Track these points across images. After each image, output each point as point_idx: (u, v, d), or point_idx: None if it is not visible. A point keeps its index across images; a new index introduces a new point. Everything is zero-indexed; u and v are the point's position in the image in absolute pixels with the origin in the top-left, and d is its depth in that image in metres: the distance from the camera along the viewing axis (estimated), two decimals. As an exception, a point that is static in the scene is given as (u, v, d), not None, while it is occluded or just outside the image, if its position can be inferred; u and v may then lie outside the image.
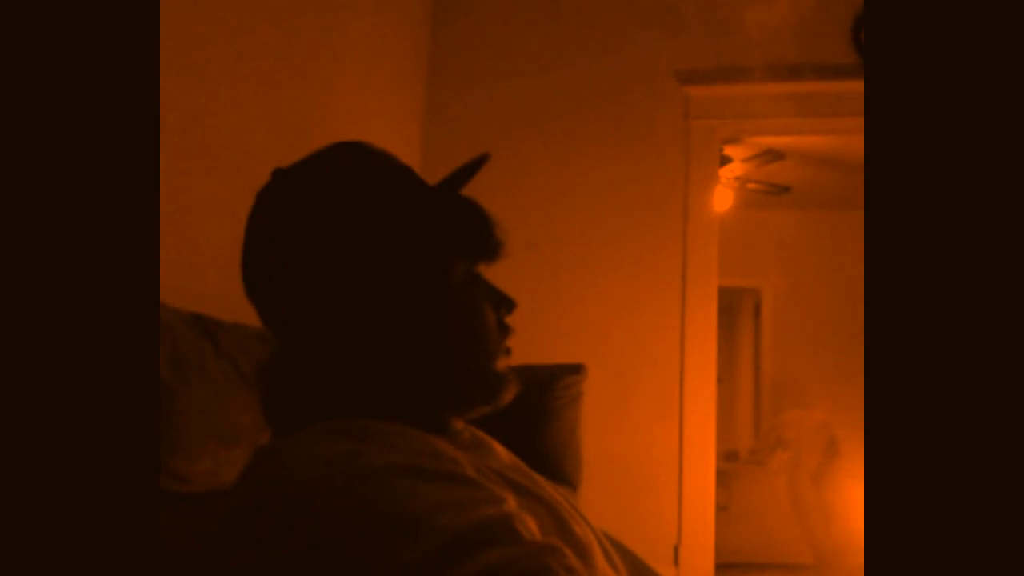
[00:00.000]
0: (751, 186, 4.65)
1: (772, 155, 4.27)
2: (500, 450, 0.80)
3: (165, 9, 0.77)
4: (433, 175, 0.78)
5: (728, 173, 4.43)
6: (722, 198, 4.26)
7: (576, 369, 1.74)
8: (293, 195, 0.74)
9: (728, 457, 5.64)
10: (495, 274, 0.78)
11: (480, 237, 0.76)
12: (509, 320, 0.79)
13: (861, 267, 0.58)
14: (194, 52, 1.44)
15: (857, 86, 2.25)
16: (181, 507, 0.93)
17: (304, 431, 0.67)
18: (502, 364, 0.78)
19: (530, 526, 0.61)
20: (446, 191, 0.76)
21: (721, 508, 3.91)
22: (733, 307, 6.67)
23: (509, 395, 0.77)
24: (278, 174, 0.76)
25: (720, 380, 2.70)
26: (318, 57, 1.98)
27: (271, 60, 1.75)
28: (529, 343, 0.94)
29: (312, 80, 1.95)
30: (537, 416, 1.61)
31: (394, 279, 0.72)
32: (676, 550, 2.40)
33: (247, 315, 0.79)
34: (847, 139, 3.69)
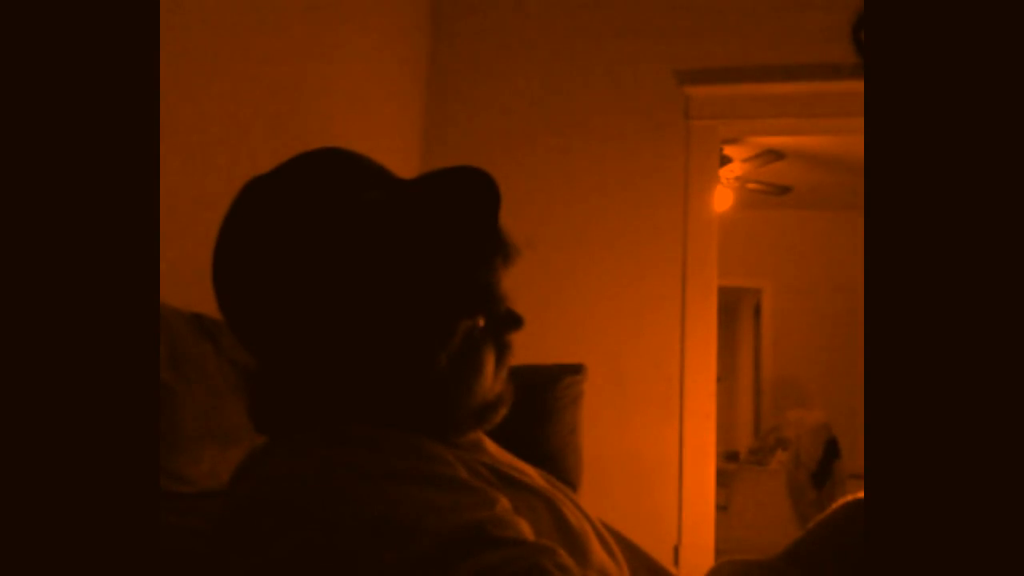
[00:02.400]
0: (751, 186, 4.65)
1: (772, 155, 4.27)
2: (489, 444, 0.80)
3: (165, 11, 0.77)
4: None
5: (728, 173, 4.43)
6: (722, 198, 4.27)
7: (576, 369, 1.74)
8: (267, 210, 0.69)
9: (728, 457, 5.65)
10: (507, 288, 0.76)
11: (467, 278, 0.71)
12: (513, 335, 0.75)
13: (861, 267, 0.58)
14: (194, 50, 1.44)
15: (857, 86, 2.24)
16: (181, 507, 0.93)
17: (296, 436, 0.67)
18: (493, 392, 0.74)
19: (524, 527, 0.61)
20: (433, 205, 0.71)
21: (721, 508, 3.91)
22: (733, 307, 6.68)
23: (499, 417, 0.75)
24: (250, 186, 0.71)
25: (720, 380, 2.70)
26: (318, 59, 1.98)
27: (271, 60, 1.75)
28: (529, 343, 0.93)
29: (312, 81, 1.95)
30: (537, 416, 1.61)
31: (375, 300, 0.67)
32: (676, 550, 2.40)
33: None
34: (847, 139, 3.70)
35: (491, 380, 0.73)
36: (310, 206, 0.68)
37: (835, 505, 0.80)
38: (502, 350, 0.74)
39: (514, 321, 0.74)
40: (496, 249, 0.72)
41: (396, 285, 0.68)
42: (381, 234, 0.68)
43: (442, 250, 0.70)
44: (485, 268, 0.72)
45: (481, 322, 0.72)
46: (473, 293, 0.71)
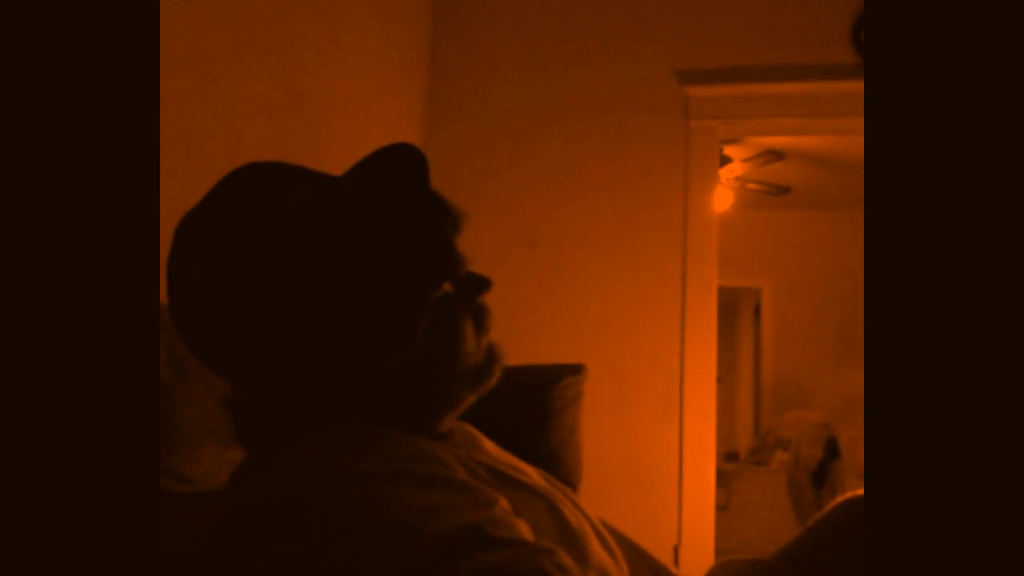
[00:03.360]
0: (751, 186, 4.65)
1: (772, 155, 4.27)
2: (487, 443, 0.80)
3: (165, 8, 0.77)
4: (434, 174, 0.77)
5: (728, 173, 4.43)
6: (722, 198, 4.26)
7: (576, 369, 1.74)
8: (207, 239, 0.68)
9: (728, 457, 5.65)
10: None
11: (419, 248, 0.70)
12: (485, 298, 0.75)
13: (861, 267, 0.58)
14: (194, 51, 1.44)
15: (857, 86, 2.25)
16: (181, 507, 0.93)
17: (294, 440, 0.66)
18: (480, 355, 0.74)
19: (523, 528, 0.61)
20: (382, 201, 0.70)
21: (721, 508, 3.91)
22: (733, 307, 6.67)
23: (494, 377, 0.75)
24: (184, 222, 0.70)
25: (720, 380, 2.70)
26: (318, 59, 1.98)
27: (271, 59, 1.75)
28: (529, 343, 0.93)
29: (312, 81, 1.95)
30: (537, 416, 1.61)
31: (335, 295, 0.66)
32: (676, 550, 2.40)
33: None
34: (847, 139, 3.69)
35: (474, 343, 0.73)
36: (245, 223, 0.67)
37: (833, 504, 0.80)
38: (478, 313, 0.74)
39: (481, 282, 0.74)
40: (439, 214, 0.72)
41: (351, 275, 0.67)
42: (322, 229, 0.67)
43: (386, 228, 0.69)
44: (434, 235, 0.72)
45: (449, 288, 0.72)
46: (429, 262, 0.71)
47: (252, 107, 1.68)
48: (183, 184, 1.33)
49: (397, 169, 0.70)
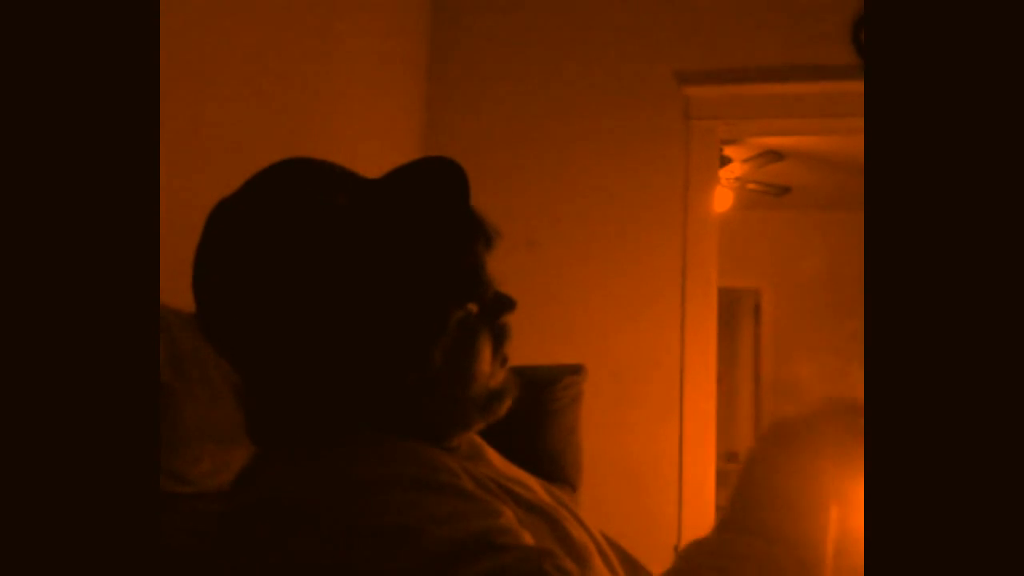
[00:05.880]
0: (751, 187, 4.65)
1: (772, 156, 4.27)
2: (494, 456, 0.80)
3: (165, 9, 0.77)
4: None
5: (728, 173, 4.43)
6: (722, 198, 4.26)
7: (576, 369, 1.74)
8: (239, 230, 0.68)
9: (728, 457, 5.64)
10: (494, 273, 0.76)
11: (450, 266, 0.70)
12: (507, 318, 0.74)
13: (861, 267, 0.58)
14: (194, 52, 1.44)
15: (857, 86, 2.24)
16: (181, 507, 0.93)
17: (303, 442, 0.66)
18: (495, 381, 0.73)
19: (527, 538, 0.61)
20: (412, 209, 0.69)
21: (721, 508, 3.91)
22: (733, 307, 6.67)
23: (504, 407, 0.74)
24: (219, 209, 0.70)
25: (720, 380, 2.70)
26: (318, 58, 1.98)
27: (270, 60, 1.75)
28: (529, 343, 0.93)
29: (312, 81, 1.95)
30: (537, 417, 1.61)
31: (360, 303, 0.66)
32: (676, 550, 2.40)
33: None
34: (847, 139, 3.69)
35: (490, 367, 0.72)
36: (280, 220, 0.67)
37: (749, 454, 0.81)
38: (499, 335, 0.73)
39: (506, 304, 0.73)
40: (474, 233, 0.72)
41: (378, 285, 0.67)
42: (355, 237, 0.67)
43: (419, 243, 0.69)
44: (466, 254, 0.71)
45: (474, 308, 0.71)
46: (458, 281, 0.70)
47: (252, 107, 1.68)
48: (184, 184, 1.33)
49: (437, 184, 0.69)
